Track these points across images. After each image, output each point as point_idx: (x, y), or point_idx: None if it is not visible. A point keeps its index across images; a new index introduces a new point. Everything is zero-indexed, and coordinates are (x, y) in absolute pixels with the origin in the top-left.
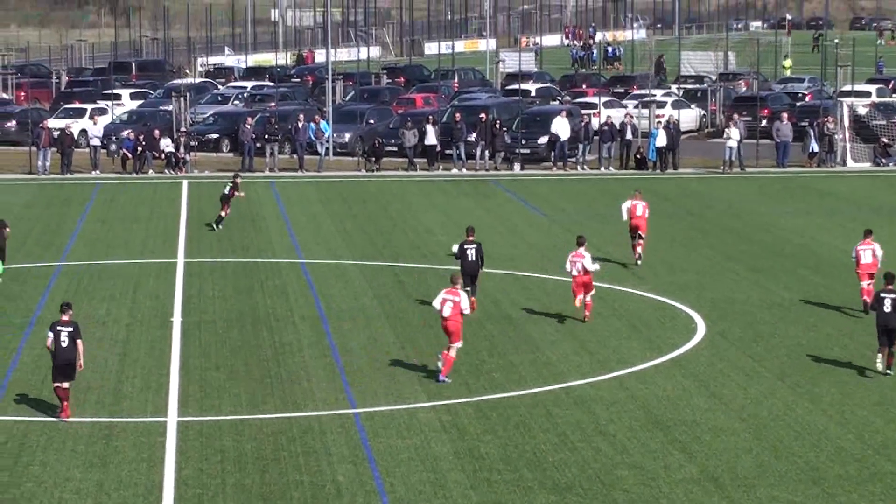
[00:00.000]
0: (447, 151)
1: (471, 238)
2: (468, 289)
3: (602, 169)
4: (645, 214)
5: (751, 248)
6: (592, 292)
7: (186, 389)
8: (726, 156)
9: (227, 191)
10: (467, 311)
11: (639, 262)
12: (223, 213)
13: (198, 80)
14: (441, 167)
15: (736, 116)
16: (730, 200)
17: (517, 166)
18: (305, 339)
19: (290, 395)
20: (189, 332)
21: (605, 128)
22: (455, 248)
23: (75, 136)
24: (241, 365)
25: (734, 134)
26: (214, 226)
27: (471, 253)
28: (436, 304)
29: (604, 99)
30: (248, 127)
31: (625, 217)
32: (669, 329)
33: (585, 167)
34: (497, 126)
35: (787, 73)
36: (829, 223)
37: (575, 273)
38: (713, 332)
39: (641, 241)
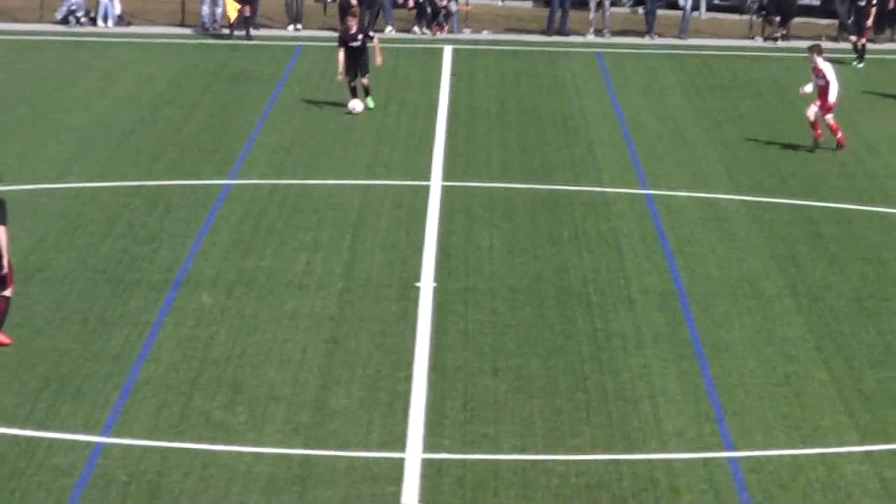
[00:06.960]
0: None
1: None
2: None
3: None
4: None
5: None
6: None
7: (440, 409)
8: None
9: None
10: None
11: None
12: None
13: None
14: None
15: None
16: None
17: None
18: (649, 332)
19: (622, 435)
20: (447, 307)
21: None
22: None
23: None
24: (535, 371)
25: None
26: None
27: None
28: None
29: None
30: None
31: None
32: None
33: None
34: None
35: None
36: None
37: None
38: None
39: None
